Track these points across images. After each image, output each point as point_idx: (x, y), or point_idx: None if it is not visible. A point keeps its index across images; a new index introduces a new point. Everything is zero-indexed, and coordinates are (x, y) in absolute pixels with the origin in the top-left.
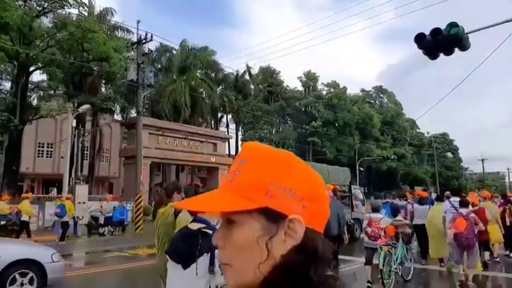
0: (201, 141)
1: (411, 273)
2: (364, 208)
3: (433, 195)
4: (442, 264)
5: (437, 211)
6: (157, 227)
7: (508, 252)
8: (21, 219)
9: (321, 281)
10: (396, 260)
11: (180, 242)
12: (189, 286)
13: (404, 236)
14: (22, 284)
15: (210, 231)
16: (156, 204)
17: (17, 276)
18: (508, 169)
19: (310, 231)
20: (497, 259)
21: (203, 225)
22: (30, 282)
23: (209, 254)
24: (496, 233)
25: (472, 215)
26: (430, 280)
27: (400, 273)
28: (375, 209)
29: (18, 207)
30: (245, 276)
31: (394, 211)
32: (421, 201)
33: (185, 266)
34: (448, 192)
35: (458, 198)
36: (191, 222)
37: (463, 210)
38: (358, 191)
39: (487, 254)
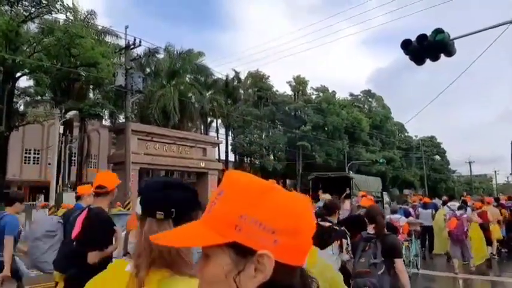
0: (191, 147)
1: (419, 264)
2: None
3: (437, 200)
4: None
5: (441, 215)
6: None
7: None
8: None
9: None
10: (412, 252)
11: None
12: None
13: (415, 233)
14: None
15: (337, 228)
16: None
17: None
18: (495, 171)
19: (282, 266)
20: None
21: (330, 224)
22: None
23: (338, 242)
24: (496, 232)
25: (465, 216)
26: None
27: (415, 264)
28: (394, 211)
29: None
30: None
31: (406, 214)
32: (425, 205)
33: (322, 248)
34: (446, 198)
35: (455, 203)
36: (321, 221)
37: (459, 212)
38: (385, 196)
39: (489, 248)
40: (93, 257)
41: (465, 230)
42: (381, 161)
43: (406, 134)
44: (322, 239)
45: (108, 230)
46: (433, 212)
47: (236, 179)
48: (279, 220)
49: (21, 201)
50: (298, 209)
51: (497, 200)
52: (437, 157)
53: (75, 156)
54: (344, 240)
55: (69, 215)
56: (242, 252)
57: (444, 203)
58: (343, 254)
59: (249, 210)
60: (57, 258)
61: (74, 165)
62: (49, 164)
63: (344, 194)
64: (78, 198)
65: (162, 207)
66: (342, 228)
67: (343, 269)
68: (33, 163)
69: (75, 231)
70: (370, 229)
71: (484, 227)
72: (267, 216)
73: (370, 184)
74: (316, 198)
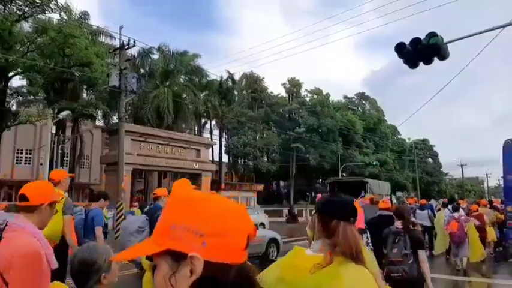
0: (184, 148)
1: None
2: None
3: (433, 202)
4: (448, 257)
5: (442, 215)
6: None
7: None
8: None
9: None
10: None
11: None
12: None
13: None
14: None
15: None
16: None
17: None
18: (486, 174)
19: (216, 264)
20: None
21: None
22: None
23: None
24: (491, 233)
25: (463, 217)
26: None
27: None
28: None
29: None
30: None
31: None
32: (422, 207)
33: None
34: (445, 201)
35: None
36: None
37: (456, 214)
38: (393, 198)
39: (487, 249)
40: None
41: (465, 231)
42: (374, 163)
43: (399, 136)
44: None
45: None
46: (429, 212)
47: (175, 196)
48: (206, 224)
49: (105, 198)
50: (226, 213)
51: (490, 202)
52: (430, 160)
53: (67, 157)
54: (364, 235)
55: (152, 213)
56: (176, 257)
57: (444, 205)
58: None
59: (180, 220)
60: None
61: (66, 166)
62: (41, 164)
63: (359, 196)
64: (156, 199)
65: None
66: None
67: None
68: (25, 163)
69: None
70: (399, 224)
71: (480, 229)
72: (196, 222)
73: (381, 187)
74: None
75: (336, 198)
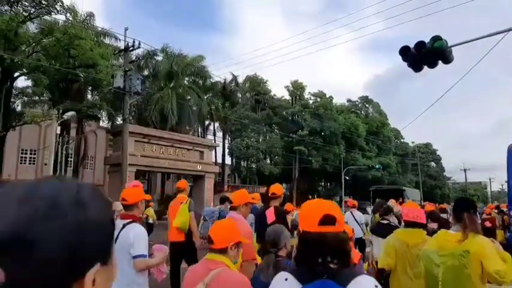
0: (188, 149)
1: None
2: None
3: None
4: None
5: None
6: None
7: None
8: (148, 222)
9: None
10: None
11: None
12: None
13: None
14: None
15: (392, 223)
16: None
17: None
18: (489, 179)
19: None
20: None
21: (388, 221)
22: None
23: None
24: (500, 236)
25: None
26: None
27: None
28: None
29: (146, 213)
30: None
31: None
32: (442, 210)
33: (384, 237)
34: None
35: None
36: (381, 219)
37: None
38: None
39: None
40: None
41: None
42: (377, 166)
43: (402, 140)
44: (383, 231)
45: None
46: (448, 216)
47: None
48: None
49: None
50: None
51: (497, 207)
52: (433, 164)
53: (71, 157)
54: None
55: (257, 212)
56: None
57: None
58: None
59: None
60: (259, 235)
61: (70, 166)
62: (45, 164)
63: (398, 201)
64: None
65: None
66: (396, 224)
67: None
68: (29, 163)
69: (270, 219)
70: (434, 225)
71: (491, 231)
72: None
73: (414, 194)
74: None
75: (462, 199)
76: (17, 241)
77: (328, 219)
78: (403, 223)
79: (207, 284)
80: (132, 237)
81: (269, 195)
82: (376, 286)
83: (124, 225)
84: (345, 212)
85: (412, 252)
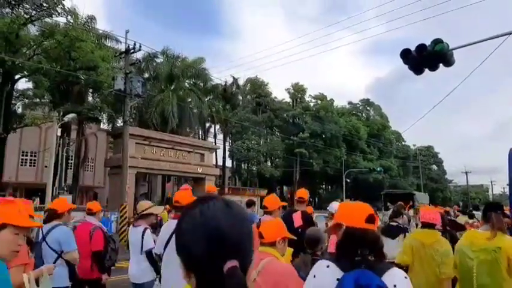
0: (188, 152)
1: None
2: None
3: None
4: None
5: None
6: None
7: None
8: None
9: None
10: None
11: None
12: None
13: None
14: None
15: (401, 226)
16: None
17: None
18: (491, 182)
19: None
20: None
21: (397, 223)
22: None
23: (402, 234)
24: None
25: (476, 223)
26: None
27: None
28: None
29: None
30: None
31: None
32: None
33: (393, 238)
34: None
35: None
36: (390, 222)
37: (470, 220)
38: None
39: None
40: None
41: None
42: (378, 169)
43: (403, 143)
44: (392, 232)
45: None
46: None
47: None
48: None
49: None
50: None
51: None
52: (434, 167)
53: (72, 159)
54: (406, 234)
55: (283, 215)
56: None
57: (462, 212)
58: None
59: None
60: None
61: (71, 168)
62: (46, 166)
63: (408, 205)
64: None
65: None
66: (405, 226)
67: None
68: (30, 165)
69: (297, 223)
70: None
71: None
72: None
73: (423, 198)
74: (387, 208)
75: (491, 203)
76: (242, 243)
77: (372, 219)
78: (413, 224)
79: (259, 271)
80: None
81: (296, 199)
82: (405, 277)
83: None
84: None
85: (427, 251)
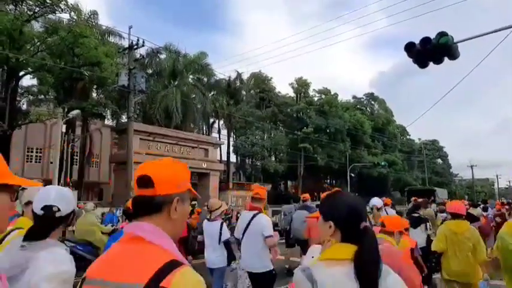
0: (193, 147)
1: None
2: None
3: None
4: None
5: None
6: None
7: None
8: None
9: None
10: None
11: None
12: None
13: None
14: None
15: (422, 216)
16: None
17: None
18: (496, 175)
19: None
20: None
21: (418, 215)
22: None
23: (424, 224)
24: None
25: (490, 215)
26: None
27: None
28: (442, 211)
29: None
30: None
31: None
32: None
33: (415, 228)
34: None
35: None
36: (412, 213)
37: (485, 213)
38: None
39: None
40: None
41: (491, 225)
42: (382, 163)
43: (408, 137)
44: (414, 223)
45: None
46: None
47: None
48: None
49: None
50: None
51: (509, 204)
52: (439, 160)
53: (77, 155)
54: (427, 224)
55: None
56: None
57: (474, 206)
58: (427, 231)
59: None
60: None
61: (76, 164)
62: (51, 162)
63: (430, 200)
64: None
65: None
66: (425, 217)
67: (428, 238)
68: (36, 161)
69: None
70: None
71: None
72: None
73: (443, 194)
74: (410, 202)
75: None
76: (365, 213)
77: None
78: (439, 217)
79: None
80: (263, 223)
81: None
82: None
83: (254, 215)
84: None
85: (459, 238)
